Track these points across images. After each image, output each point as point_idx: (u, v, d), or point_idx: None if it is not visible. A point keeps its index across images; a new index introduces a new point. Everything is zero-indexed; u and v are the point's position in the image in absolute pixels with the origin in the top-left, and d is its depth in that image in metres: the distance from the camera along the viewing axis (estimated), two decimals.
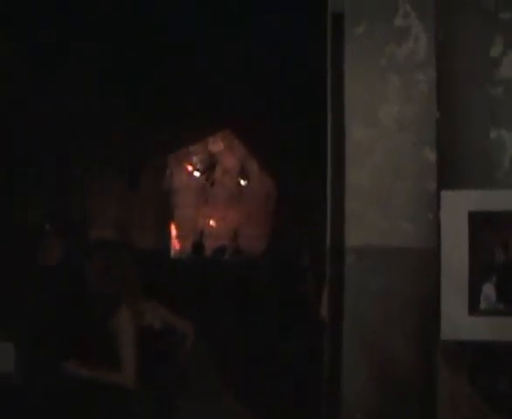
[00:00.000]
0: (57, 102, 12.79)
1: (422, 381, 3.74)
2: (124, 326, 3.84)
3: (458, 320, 3.56)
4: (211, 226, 20.99)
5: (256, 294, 12.24)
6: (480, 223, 3.56)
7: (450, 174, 3.84)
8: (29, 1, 10.30)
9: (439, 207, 3.67)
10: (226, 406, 5.75)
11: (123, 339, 3.79)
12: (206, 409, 5.68)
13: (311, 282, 10.83)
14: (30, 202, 12.59)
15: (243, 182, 21.52)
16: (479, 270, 3.56)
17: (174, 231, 20.41)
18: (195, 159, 21.13)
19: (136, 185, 18.53)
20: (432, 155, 3.81)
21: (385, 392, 3.77)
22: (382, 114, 3.84)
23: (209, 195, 21.48)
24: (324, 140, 4.27)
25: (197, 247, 17.29)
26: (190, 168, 21.10)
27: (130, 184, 18.34)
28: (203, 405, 5.64)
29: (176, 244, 20.14)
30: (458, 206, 3.61)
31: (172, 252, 19.67)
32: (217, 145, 21.32)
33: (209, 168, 21.19)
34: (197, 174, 21.13)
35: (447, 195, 3.65)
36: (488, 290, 3.55)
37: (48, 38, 11.47)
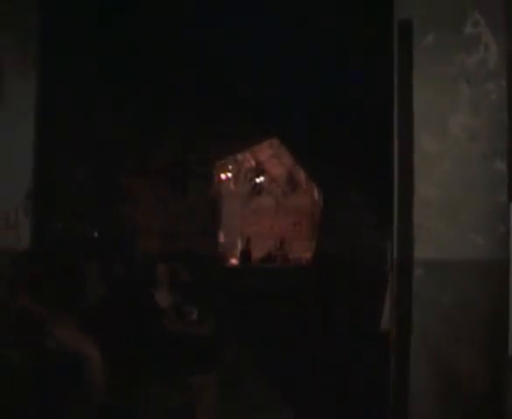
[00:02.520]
0: (105, 111, 12.95)
1: (492, 399, 3.64)
2: None
3: None
4: (258, 234, 20.95)
5: (303, 302, 12.14)
6: None
7: None
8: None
9: (509, 219, 3.56)
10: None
11: None
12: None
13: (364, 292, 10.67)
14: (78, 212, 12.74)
15: (289, 191, 21.46)
16: None
17: (221, 239, 20.44)
18: (242, 167, 21.17)
19: (183, 193, 18.61)
20: (503, 166, 3.72)
21: (454, 411, 3.68)
22: (451, 124, 3.76)
23: (255, 203, 21.47)
24: (382, 149, 4.19)
25: (244, 255, 17.30)
26: (236, 175, 21.14)
27: (177, 192, 18.44)
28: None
29: (223, 252, 20.17)
30: None
31: (219, 260, 19.71)
32: (264, 153, 21.30)
33: (256, 176, 21.20)
34: (243, 181, 21.16)
35: None
36: None
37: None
